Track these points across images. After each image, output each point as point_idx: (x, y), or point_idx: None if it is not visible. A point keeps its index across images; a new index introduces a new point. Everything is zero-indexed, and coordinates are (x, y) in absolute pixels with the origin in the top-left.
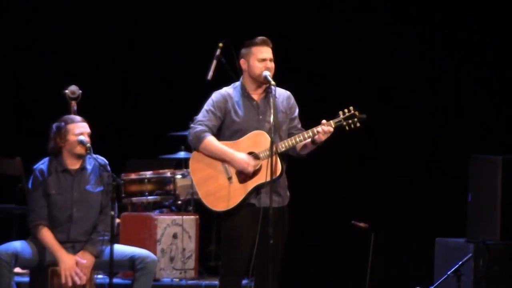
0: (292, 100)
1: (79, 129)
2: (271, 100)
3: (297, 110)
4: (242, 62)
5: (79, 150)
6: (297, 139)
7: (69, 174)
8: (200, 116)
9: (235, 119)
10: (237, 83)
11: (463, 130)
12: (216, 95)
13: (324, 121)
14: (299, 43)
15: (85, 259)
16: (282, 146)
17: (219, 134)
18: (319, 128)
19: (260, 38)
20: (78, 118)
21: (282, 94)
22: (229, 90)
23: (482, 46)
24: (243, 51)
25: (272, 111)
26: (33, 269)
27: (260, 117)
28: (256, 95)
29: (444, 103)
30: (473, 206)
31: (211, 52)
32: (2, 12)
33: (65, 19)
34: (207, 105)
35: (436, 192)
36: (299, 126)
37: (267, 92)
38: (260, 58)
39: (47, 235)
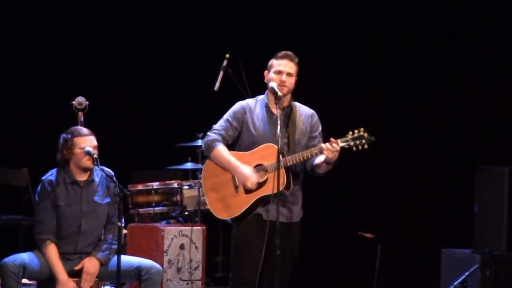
0: (315, 118)
1: (86, 142)
2: (277, 111)
3: (319, 129)
4: (265, 73)
5: (86, 163)
6: (305, 155)
7: (78, 185)
8: (217, 125)
9: (252, 131)
10: (262, 96)
11: (470, 140)
12: (236, 106)
13: (332, 139)
14: (314, 58)
15: (91, 265)
16: (290, 160)
17: (236, 144)
18: (325, 145)
19: (284, 51)
20: (85, 131)
21: (305, 111)
22: (251, 102)
23: (489, 56)
24: (269, 62)
25: (279, 122)
26: (40, 280)
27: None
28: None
29: (450, 114)
30: (479, 217)
31: (218, 63)
32: (10, 24)
33: (72, 31)
34: (226, 115)
35: (443, 202)
36: (320, 145)
37: (287, 107)
38: (277, 70)
39: (52, 251)
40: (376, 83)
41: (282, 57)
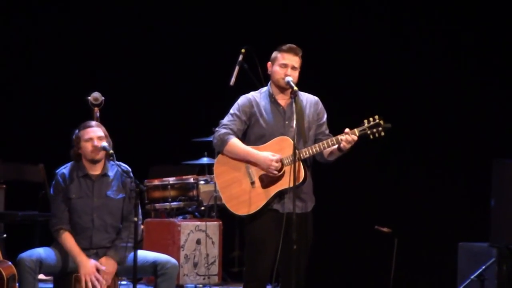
0: (320, 105)
1: (89, 134)
2: (294, 105)
3: (325, 116)
4: (269, 65)
5: (93, 155)
6: (321, 146)
7: (90, 179)
8: (225, 120)
9: (261, 123)
10: (265, 88)
11: (486, 134)
12: (242, 99)
13: (347, 129)
14: (326, 50)
15: (108, 265)
16: (306, 152)
17: (244, 138)
18: (343, 136)
19: (288, 45)
20: (91, 123)
21: (310, 99)
22: (256, 95)
23: (504, 49)
24: (273, 54)
25: (295, 116)
26: (56, 275)
27: (286, 122)
28: (283, 100)
29: (467, 107)
30: (496, 211)
31: (234, 58)
32: (24, 22)
33: (88, 27)
34: (233, 109)
35: (459, 196)
36: (327, 132)
37: (293, 96)
38: (282, 63)
39: (68, 239)
40: (394, 76)
41: (287, 51)
